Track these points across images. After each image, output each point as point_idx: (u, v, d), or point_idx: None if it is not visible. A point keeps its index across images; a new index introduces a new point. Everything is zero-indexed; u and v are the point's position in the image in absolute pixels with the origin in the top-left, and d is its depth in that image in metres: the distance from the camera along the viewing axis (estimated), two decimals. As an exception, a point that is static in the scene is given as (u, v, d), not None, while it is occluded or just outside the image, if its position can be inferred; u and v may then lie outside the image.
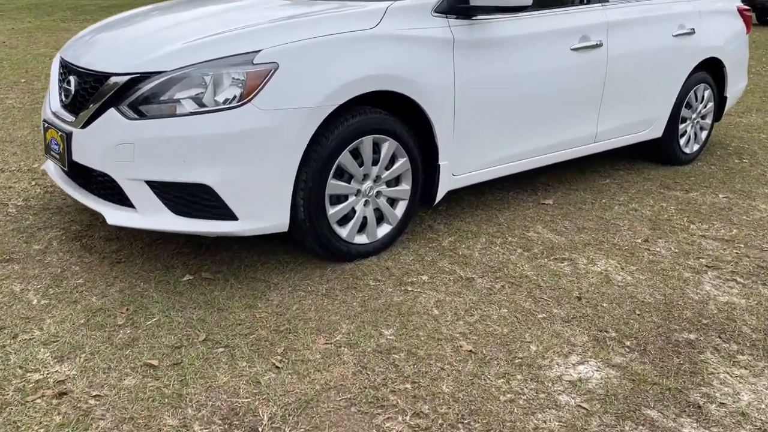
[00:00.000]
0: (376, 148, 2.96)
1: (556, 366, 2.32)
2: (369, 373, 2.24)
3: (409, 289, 2.80)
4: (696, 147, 4.88)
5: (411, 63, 2.93)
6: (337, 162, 2.80)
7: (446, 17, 3.10)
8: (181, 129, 2.55)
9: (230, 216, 2.64)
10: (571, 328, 2.56)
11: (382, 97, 2.97)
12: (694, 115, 4.75)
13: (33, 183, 3.87)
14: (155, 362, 2.25)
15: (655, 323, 2.62)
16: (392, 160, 3.03)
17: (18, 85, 6.52)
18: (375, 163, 2.96)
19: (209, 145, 2.54)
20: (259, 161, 2.59)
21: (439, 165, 3.19)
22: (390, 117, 2.94)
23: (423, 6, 3.04)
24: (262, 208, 2.67)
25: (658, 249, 3.32)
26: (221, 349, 2.34)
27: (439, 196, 3.27)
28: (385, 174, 3.01)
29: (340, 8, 2.95)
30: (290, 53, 2.63)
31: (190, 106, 2.57)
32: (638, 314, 2.68)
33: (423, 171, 3.20)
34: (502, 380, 2.23)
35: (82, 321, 2.48)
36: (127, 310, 2.57)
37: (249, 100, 2.55)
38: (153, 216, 2.66)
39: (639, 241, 3.40)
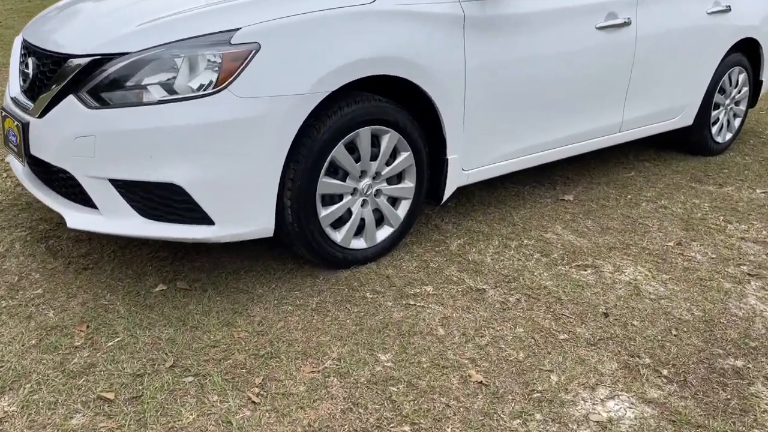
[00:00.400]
0: (375, 141, 2.60)
1: (582, 402, 1.98)
2: (361, 411, 1.90)
3: (412, 303, 2.45)
4: (729, 136, 4.48)
5: (414, 43, 2.56)
6: (329, 157, 2.45)
7: (456, -9, 2.73)
8: (148, 120, 2.20)
9: (206, 220, 2.30)
10: (597, 352, 2.21)
11: (381, 82, 2.61)
12: (727, 101, 4.35)
13: (5, 176, 3.55)
14: (111, 395, 1.92)
15: (695, 346, 2.27)
16: (394, 154, 2.68)
17: (6, 67, 6.19)
18: (374, 157, 2.60)
19: (180, 139, 2.19)
20: (238, 157, 2.24)
21: (447, 159, 2.83)
22: (391, 105, 2.58)
23: (429, -22, 2.67)
24: (243, 211, 2.32)
25: (692, 254, 2.95)
26: (190, 379, 2.01)
27: (447, 193, 2.91)
28: (386, 170, 2.66)
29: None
30: (274, 32, 2.27)
31: (158, 93, 2.22)
32: (675, 335, 2.32)
33: (429, 166, 2.85)
34: (518, 421, 1.89)
35: (33, 342, 2.16)
36: (87, 327, 2.24)
37: (225, 87, 2.20)
38: (118, 219, 2.32)
39: (671, 244, 3.04)
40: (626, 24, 3.36)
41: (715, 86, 4.15)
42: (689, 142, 4.35)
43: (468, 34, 2.73)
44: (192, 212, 2.28)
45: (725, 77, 4.22)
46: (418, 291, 2.53)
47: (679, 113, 4.01)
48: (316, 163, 2.41)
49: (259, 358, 2.10)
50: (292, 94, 2.26)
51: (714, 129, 4.33)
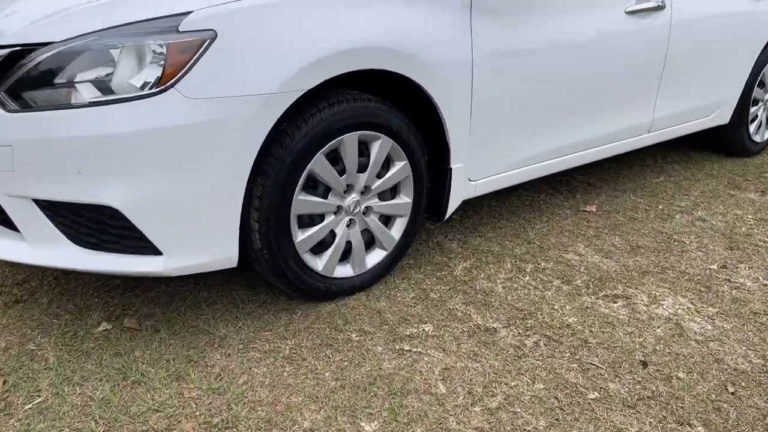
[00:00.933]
0: (364, 148, 2.16)
1: (622, 492, 1.54)
2: None
3: (406, 348, 2.01)
4: (767, 135, 4.02)
5: (410, 31, 2.11)
6: (307, 170, 2.00)
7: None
8: (76, 126, 1.76)
9: (151, 250, 1.87)
10: (637, 417, 1.76)
11: (371, 78, 2.17)
12: (767, 96, 3.88)
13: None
14: (15, 485, 1.50)
15: (758, 409, 1.82)
16: (386, 164, 2.24)
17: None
18: (362, 169, 2.16)
19: (115, 150, 1.76)
20: (189, 172, 1.80)
21: (450, 168, 2.39)
22: (383, 105, 2.14)
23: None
24: (198, 238, 1.89)
25: (741, 279, 2.50)
26: (121, 459, 1.58)
27: (451, 208, 2.47)
28: (377, 183, 2.22)
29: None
30: (234, 17, 1.82)
31: (89, 92, 1.78)
32: (732, 393, 1.88)
33: (430, 176, 2.41)
34: None
35: (-67, 404, 1.74)
36: (5, 383, 1.82)
37: (172, 85, 1.76)
38: (47, 248, 1.89)
39: (714, 267, 2.58)
40: (660, 8, 2.90)
41: (754, 80, 3.68)
42: (724, 142, 3.89)
43: (476, 17, 2.28)
44: (133, 240, 1.85)
45: (765, 70, 3.75)
46: (415, 331, 2.09)
47: (714, 110, 3.54)
48: (289, 177, 1.97)
49: (211, 429, 1.67)
50: (256, 94, 1.82)
51: (752, 127, 3.87)
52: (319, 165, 2.02)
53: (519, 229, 2.85)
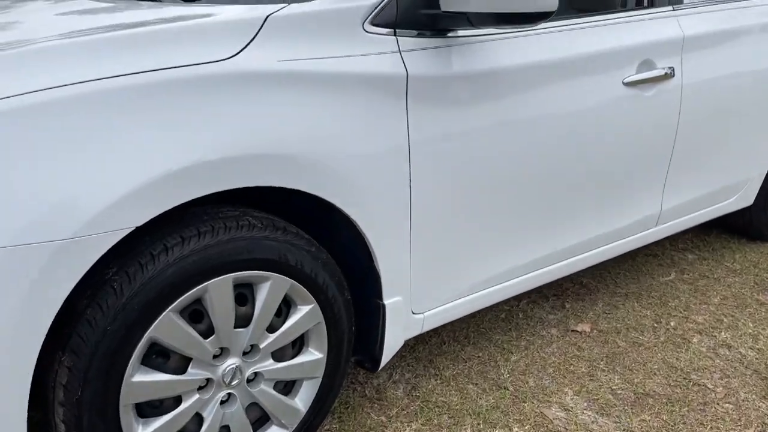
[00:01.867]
0: (249, 293, 1.51)
1: None
2: None
3: None
4: (799, 216, 3.35)
5: (316, 128, 1.47)
6: (146, 338, 1.34)
7: (394, 35, 1.64)
8: None
9: None
10: None
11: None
12: (798, 171, 3.22)
13: None
14: None
15: None
16: (282, 310, 1.58)
17: None
18: (244, 322, 1.50)
19: None
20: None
21: (383, 305, 1.73)
22: (274, 232, 1.48)
23: (345, 13, 1.57)
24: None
25: (788, 455, 1.81)
26: None
27: (388, 355, 1.80)
28: (269, 340, 1.55)
29: (173, 22, 1.46)
30: (13, 118, 1.19)
31: None
32: None
33: (355, 314, 1.75)
34: None
35: None
36: None
37: None
38: None
39: None
40: (668, 76, 2.26)
41: (783, 153, 3.04)
42: (747, 224, 3.22)
43: (415, 106, 1.64)
44: None
45: (795, 139, 3.10)
46: None
47: (736, 192, 2.88)
48: (116, 352, 1.30)
49: None
50: (44, 242, 1.17)
51: (781, 208, 3.21)
52: (166, 328, 1.36)
53: (488, 362, 2.18)
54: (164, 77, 1.30)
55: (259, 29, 1.46)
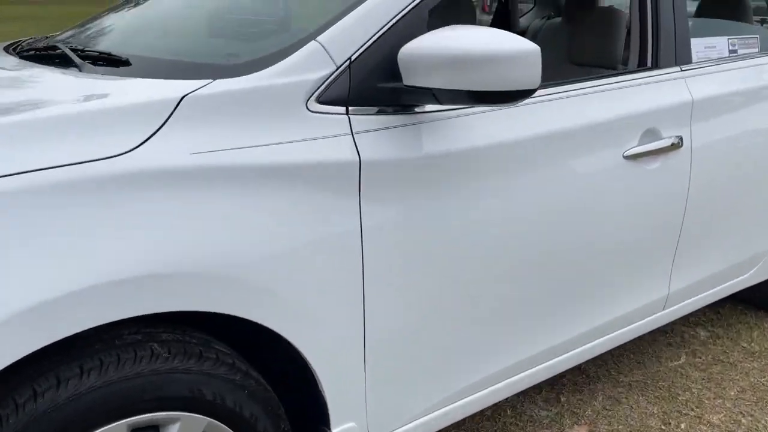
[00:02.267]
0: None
1: None
2: None
3: None
4: (822, 286, 3.04)
5: (238, 237, 1.19)
6: None
7: (346, 113, 1.37)
8: None
9: None
10: None
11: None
12: (821, 239, 2.92)
13: None
14: None
15: None
16: (199, 454, 1.29)
17: None
18: (146, 473, 1.21)
19: None
20: None
21: (330, 434, 1.44)
22: (184, 361, 1.20)
23: (283, 90, 1.30)
24: None
25: None
26: None
27: (339, 490, 1.50)
28: (180, 492, 1.26)
29: (58, 104, 1.19)
30: None
31: None
32: None
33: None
34: None
35: None
36: None
37: None
38: None
39: None
40: (675, 146, 1.98)
41: (804, 221, 2.74)
42: (765, 299, 2.92)
43: (369, 198, 1.36)
44: None
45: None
46: None
47: (753, 266, 2.58)
48: None
49: None
50: None
51: (802, 280, 2.89)
52: (36, 498, 1.07)
53: (467, 479, 1.87)
54: (34, 181, 1.03)
55: (171, 113, 1.19)
